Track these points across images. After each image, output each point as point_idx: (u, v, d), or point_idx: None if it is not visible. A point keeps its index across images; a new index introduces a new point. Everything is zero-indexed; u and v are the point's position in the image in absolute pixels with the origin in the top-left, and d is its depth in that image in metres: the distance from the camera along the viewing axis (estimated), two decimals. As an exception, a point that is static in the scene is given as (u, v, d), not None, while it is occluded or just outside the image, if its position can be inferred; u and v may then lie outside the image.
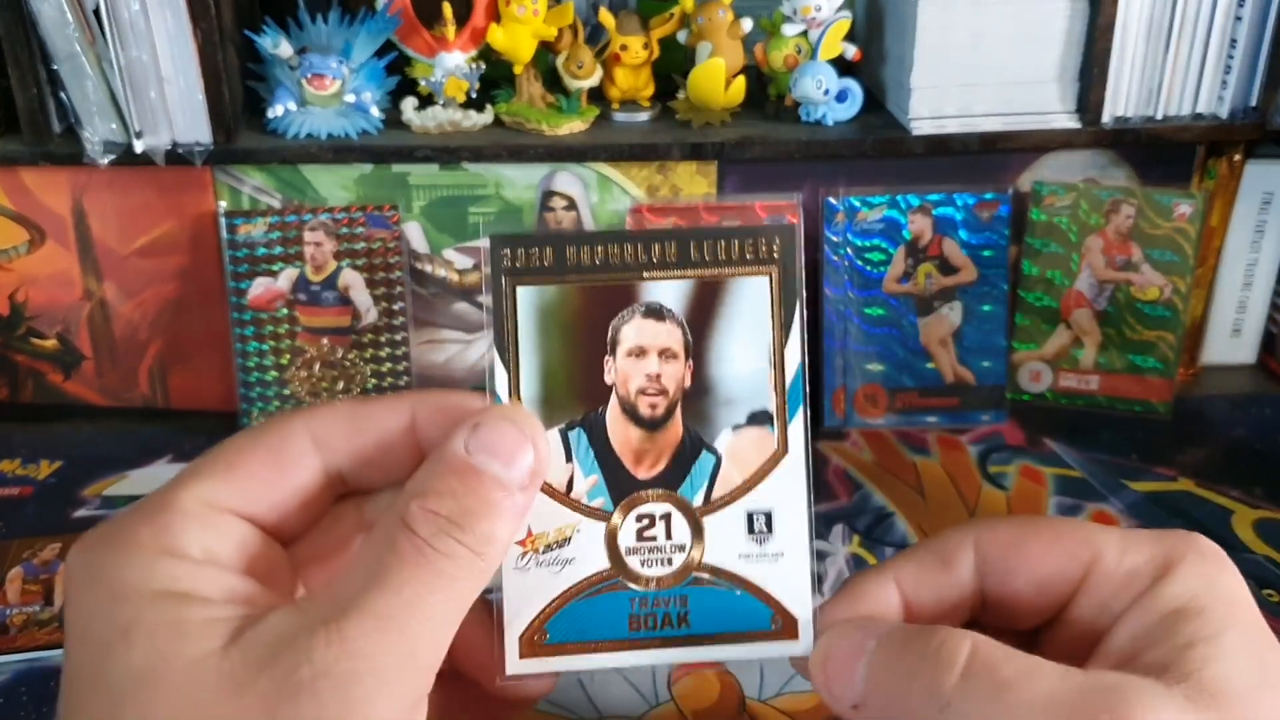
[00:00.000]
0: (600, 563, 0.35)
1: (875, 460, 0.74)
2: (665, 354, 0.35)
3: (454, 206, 0.77)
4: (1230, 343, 0.84)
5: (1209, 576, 0.32)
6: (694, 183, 0.77)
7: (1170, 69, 0.75)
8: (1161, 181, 0.78)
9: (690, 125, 0.78)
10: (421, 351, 0.79)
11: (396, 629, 0.29)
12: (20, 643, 0.57)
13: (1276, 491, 0.69)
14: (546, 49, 0.79)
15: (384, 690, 0.28)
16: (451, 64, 0.78)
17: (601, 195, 0.77)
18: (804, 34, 0.77)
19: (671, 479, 0.35)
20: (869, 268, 0.77)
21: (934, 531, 0.49)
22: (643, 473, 0.35)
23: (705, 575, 0.35)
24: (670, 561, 0.35)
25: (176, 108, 0.74)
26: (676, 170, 0.77)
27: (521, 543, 0.34)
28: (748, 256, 0.35)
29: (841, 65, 0.78)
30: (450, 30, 0.78)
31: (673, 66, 0.80)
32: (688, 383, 0.35)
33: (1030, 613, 0.35)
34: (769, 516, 0.35)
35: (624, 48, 0.78)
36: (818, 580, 0.36)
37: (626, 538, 0.35)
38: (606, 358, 0.35)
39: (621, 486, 0.35)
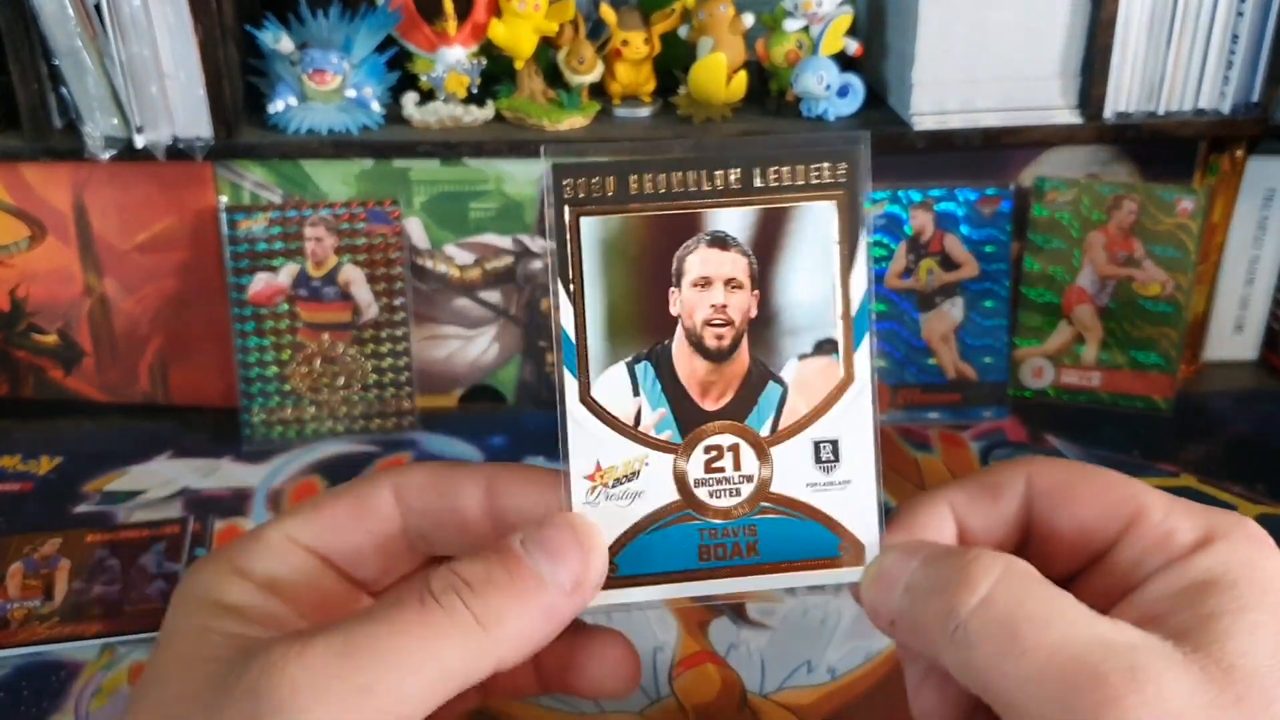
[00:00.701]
0: (669, 495, 0.34)
1: (877, 456, 0.74)
2: (731, 284, 0.34)
3: (455, 202, 0.77)
4: (1232, 339, 0.84)
5: (1248, 555, 0.31)
6: (695, 178, 0.77)
7: (1172, 64, 0.74)
8: (1163, 177, 0.78)
9: (691, 121, 0.78)
10: (422, 347, 0.79)
11: (354, 661, 0.29)
12: (21, 637, 0.57)
13: (1279, 487, 0.69)
14: (547, 44, 0.79)
15: (320, 713, 0.28)
16: (452, 59, 0.78)
17: (603, 191, 0.77)
18: (805, 29, 0.77)
19: (738, 410, 0.35)
20: (870, 263, 0.77)
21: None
22: (710, 404, 0.35)
23: (773, 505, 0.35)
24: (738, 492, 0.35)
25: (177, 103, 0.74)
26: (678, 166, 0.76)
27: (590, 477, 0.34)
28: (814, 182, 0.34)
29: (843, 60, 0.78)
30: (451, 25, 0.78)
31: (674, 62, 0.80)
32: (754, 313, 0.35)
33: (1068, 557, 0.35)
34: (835, 445, 0.35)
35: (625, 43, 0.78)
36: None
37: (695, 469, 0.34)
38: (671, 289, 0.34)
39: (689, 419, 0.35)
